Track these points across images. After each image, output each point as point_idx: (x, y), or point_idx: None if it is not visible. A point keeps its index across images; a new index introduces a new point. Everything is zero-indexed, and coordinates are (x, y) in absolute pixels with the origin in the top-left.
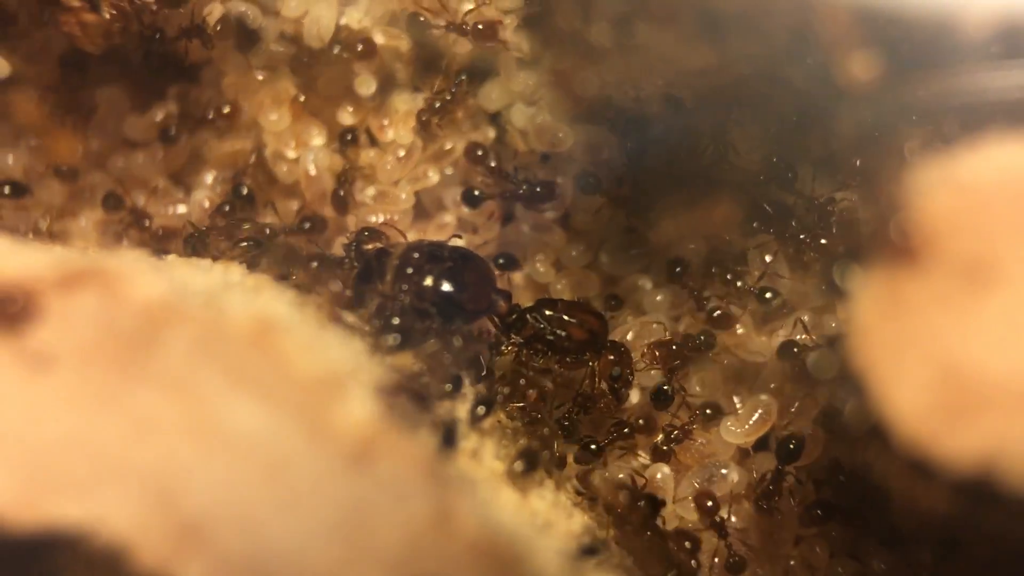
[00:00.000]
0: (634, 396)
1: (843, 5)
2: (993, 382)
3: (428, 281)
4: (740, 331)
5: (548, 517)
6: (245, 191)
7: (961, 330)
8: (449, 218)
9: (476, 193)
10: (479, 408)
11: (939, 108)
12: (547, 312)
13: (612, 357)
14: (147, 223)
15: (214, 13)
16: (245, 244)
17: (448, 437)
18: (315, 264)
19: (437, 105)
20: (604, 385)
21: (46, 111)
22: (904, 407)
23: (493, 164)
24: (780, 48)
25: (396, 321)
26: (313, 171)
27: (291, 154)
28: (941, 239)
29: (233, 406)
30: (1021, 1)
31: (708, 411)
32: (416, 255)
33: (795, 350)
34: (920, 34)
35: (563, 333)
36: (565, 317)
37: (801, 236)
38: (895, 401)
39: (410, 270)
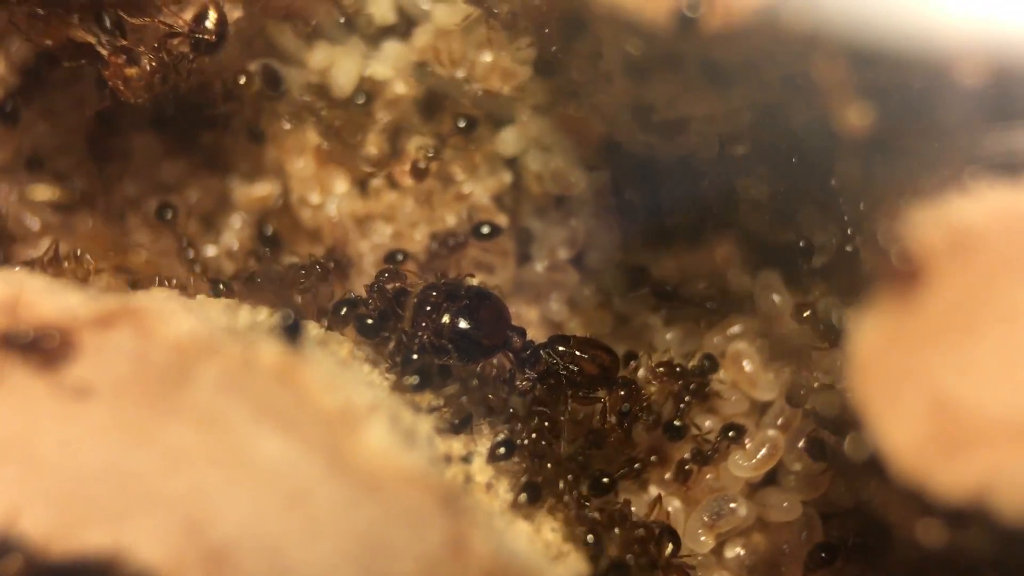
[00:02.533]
0: (645, 432)
1: (840, 55)
2: (986, 416)
3: (446, 319)
4: (748, 368)
5: (561, 548)
6: (270, 233)
7: (955, 366)
8: (465, 259)
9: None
10: (499, 449)
11: (932, 153)
12: (560, 348)
13: (623, 393)
14: (192, 255)
15: (244, 64)
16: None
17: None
18: (343, 308)
19: (430, 154)
20: (615, 419)
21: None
22: (900, 441)
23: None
24: (781, 96)
25: (415, 358)
26: (336, 217)
27: (315, 200)
28: (935, 278)
29: (258, 438)
30: (1011, 53)
31: (731, 434)
32: (434, 294)
33: (802, 392)
34: (914, 83)
35: (576, 368)
36: (577, 353)
37: (806, 276)
38: (891, 435)
39: (429, 308)
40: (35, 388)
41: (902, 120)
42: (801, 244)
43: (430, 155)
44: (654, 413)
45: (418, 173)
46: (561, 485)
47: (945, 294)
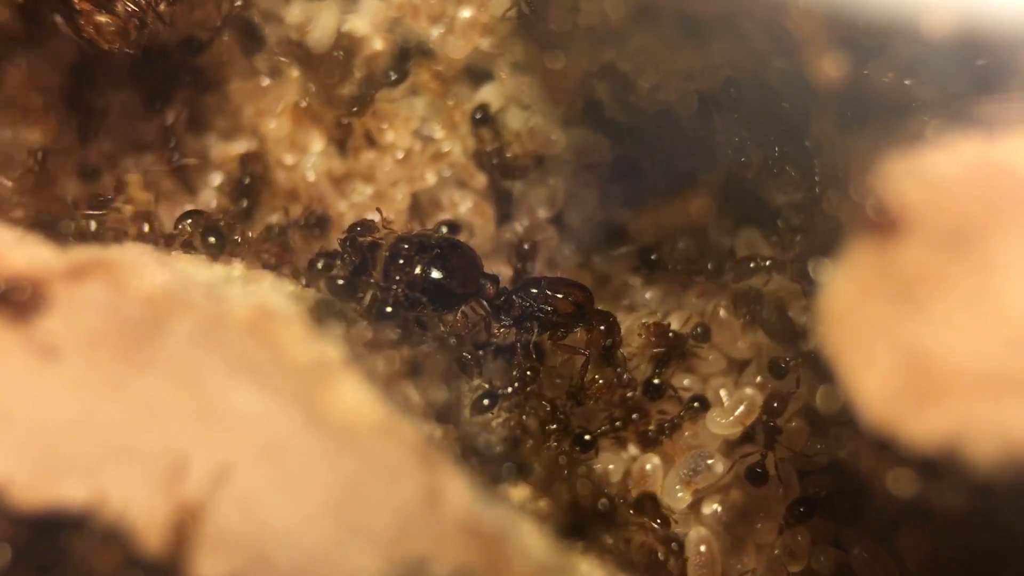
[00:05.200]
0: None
1: (816, 7)
2: (957, 367)
3: (418, 270)
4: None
5: (537, 503)
6: (247, 194)
7: (927, 317)
8: (445, 217)
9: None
10: (483, 400)
11: (906, 106)
12: (532, 290)
13: (603, 328)
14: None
15: (220, 17)
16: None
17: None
18: (319, 262)
19: (355, 109)
20: (598, 377)
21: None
22: (872, 391)
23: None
24: (758, 50)
25: (390, 311)
26: (312, 176)
27: (290, 159)
28: (909, 230)
29: (232, 391)
30: (980, 7)
31: (696, 404)
32: (405, 245)
33: (782, 365)
34: (888, 35)
35: (550, 308)
36: (549, 292)
37: (785, 232)
38: (863, 386)
39: (401, 260)
40: (6, 341)
41: (876, 71)
42: (777, 198)
43: (355, 109)
44: (634, 378)
45: (343, 129)
46: (534, 441)
47: (918, 246)
